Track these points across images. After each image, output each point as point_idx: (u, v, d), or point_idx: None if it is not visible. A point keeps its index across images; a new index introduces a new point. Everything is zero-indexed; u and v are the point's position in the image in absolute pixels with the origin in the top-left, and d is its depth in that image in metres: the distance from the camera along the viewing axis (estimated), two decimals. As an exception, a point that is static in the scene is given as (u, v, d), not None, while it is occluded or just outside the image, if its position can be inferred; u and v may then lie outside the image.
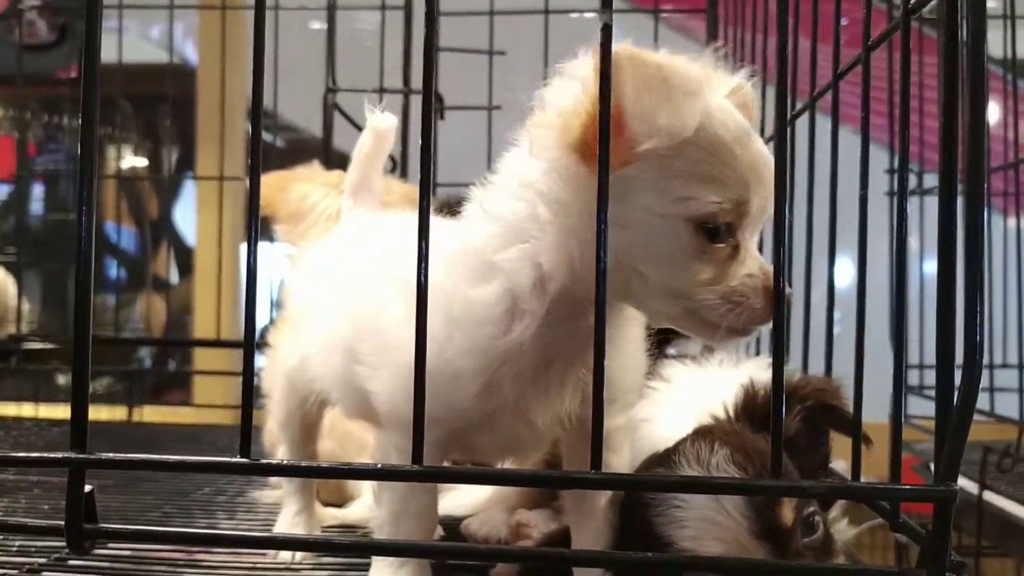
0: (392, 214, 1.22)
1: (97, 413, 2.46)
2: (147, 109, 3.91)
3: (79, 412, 0.72)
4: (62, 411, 2.44)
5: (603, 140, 0.72)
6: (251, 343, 0.73)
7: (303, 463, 0.90)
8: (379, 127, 1.24)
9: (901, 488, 0.74)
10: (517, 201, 0.85)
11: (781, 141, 0.75)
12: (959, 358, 0.68)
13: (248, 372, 0.74)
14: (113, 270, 3.33)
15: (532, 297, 0.84)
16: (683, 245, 0.79)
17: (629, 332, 0.93)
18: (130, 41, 2.65)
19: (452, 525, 1.26)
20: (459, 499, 1.39)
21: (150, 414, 2.57)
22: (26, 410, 2.44)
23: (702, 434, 0.94)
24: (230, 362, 2.81)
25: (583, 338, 0.85)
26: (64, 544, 1.08)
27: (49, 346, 2.72)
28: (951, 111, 0.69)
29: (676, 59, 0.78)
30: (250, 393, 0.74)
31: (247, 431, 0.73)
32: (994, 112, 2.23)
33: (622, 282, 0.81)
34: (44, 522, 0.77)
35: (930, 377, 1.99)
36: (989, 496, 1.62)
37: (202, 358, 3.08)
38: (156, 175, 3.69)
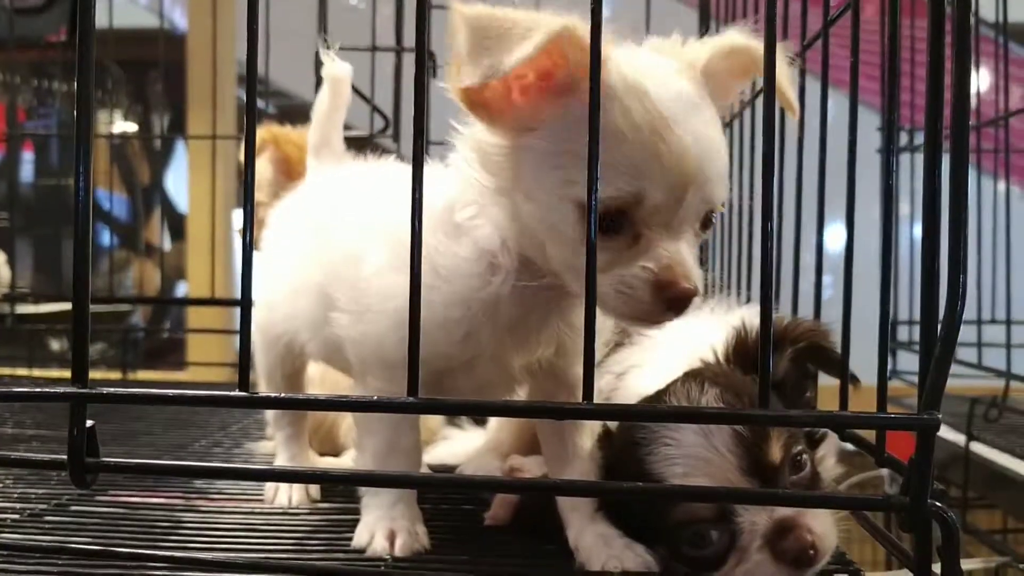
0: (357, 164, 1.24)
1: (92, 376, 2.47)
2: (137, 74, 3.89)
3: (79, 347, 0.74)
4: (55, 374, 2.45)
5: (593, 113, 0.72)
6: (248, 276, 0.74)
7: (300, 395, 0.92)
8: (335, 74, 1.25)
9: (886, 416, 0.76)
10: (464, 162, 0.87)
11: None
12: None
13: (246, 299, 0.75)
14: (105, 237, 3.32)
15: (502, 254, 0.87)
16: (572, 228, 0.79)
17: None
18: (119, 5, 2.63)
19: (447, 472, 1.29)
20: (452, 448, 1.42)
21: (144, 377, 2.59)
22: (20, 374, 2.44)
23: (693, 376, 0.95)
24: (223, 324, 2.82)
25: (556, 293, 0.88)
26: (64, 492, 1.14)
27: (43, 310, 2.73)
28: (937, 65, 0.70)
29: (516, 11, 0.76)
30: (248, 326, 0.75)
31: (244, 366, 0.74)
32: (985, 77, 2.24)
33: (541, 255, 0.84)
34: (48, 456, 0.78)
35: (918, 333, 2.02)
36: (976, 447, 1.65)
37: (196, 321, 3.10)
38: (147, 136, 3.68)
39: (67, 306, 2.66)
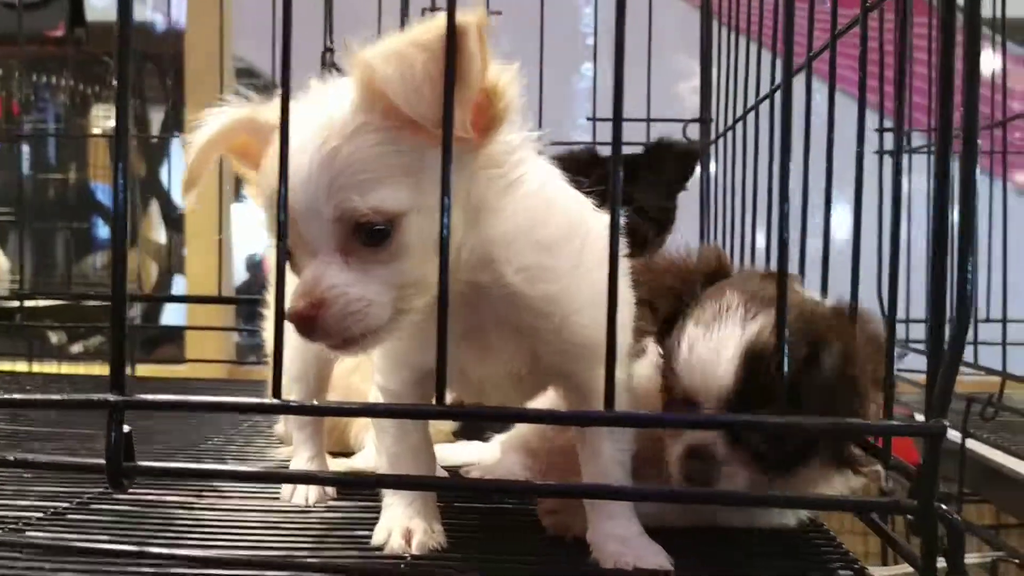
0: None
1: (89, 370, 2.49)
2: (135, 68, 3.89)
3: (117, 357, 0.76)
4: (53, 369, 2.47)
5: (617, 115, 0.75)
6: (281, 291, 0.76)
7: (332, 403, 0.94)
8: None
9: (895, 424, 0.78)
10: None
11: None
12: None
13: (279, 318, 0.77)
14: (106, 231, 3.32)
15: (457, 262, 0.85)
16: None
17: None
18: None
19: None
20: (470, 448, 1.44)
21: (143, 371, 2.60)
22: (20, 367, 2.45)
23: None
24: (221, 320, 2.83)
25: (503, 306, 0.90)
26: (85, 490, 1.16)
27: (42, 303, 2.74)
28: (948, 65, 0.72)
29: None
30: (281, 338, 0.77)
31: (278, 375, 0.77)
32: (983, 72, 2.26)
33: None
34: (88, 460, 0.80)
35: (916, 331, 2.05)
36: (971, 444, 1.68)
37: (194, 317, 3.10)
38: (146, 136, 3.68)
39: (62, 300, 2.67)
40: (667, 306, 1.07)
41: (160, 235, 3.87)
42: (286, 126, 0.77)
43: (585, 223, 0.95)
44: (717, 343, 0.96)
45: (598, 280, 0.80)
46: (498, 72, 0.80)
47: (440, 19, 0.74)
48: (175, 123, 3.57)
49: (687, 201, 1.96)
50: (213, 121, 0.89)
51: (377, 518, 1.02)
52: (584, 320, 0.92)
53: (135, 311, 3.68)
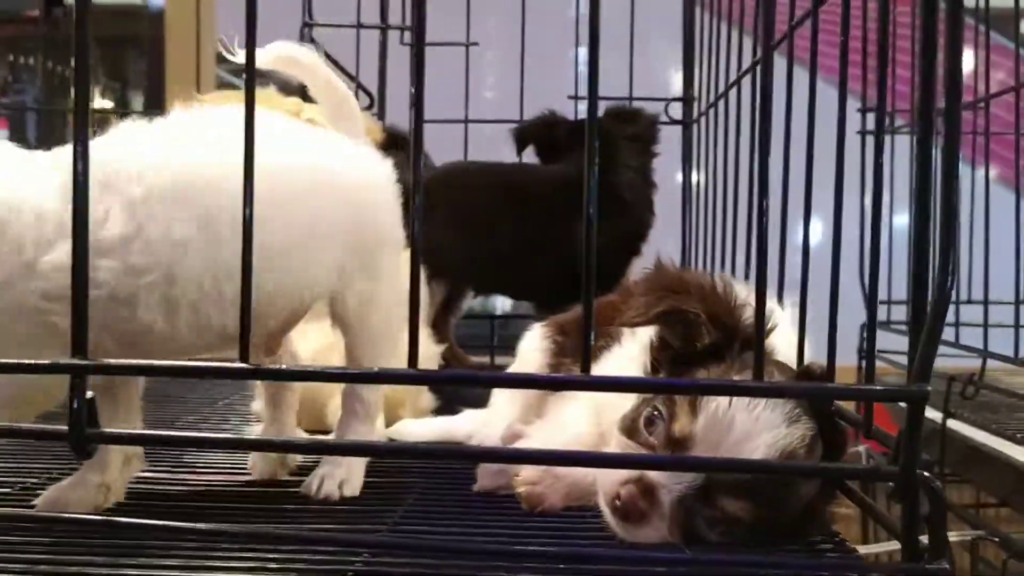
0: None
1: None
2: (114, 51, 3.85)
3: (79, 320, 0.74)
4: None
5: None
6: (248, 255, 0.74)
7: (301, 367, 0.92)
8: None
9: (874, 388, 0.77)
10: None
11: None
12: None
13: (247, 281, 0.75)
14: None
15: None
16: None
17: None
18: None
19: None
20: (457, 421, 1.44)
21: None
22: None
23: None
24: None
25: None
26: (56, 466, 1.14)
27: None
28: (930, 48, 0.71)
29: None
30: (248, 302, 0.75)
31: (246, 339, 0.75)
32: (967, 62, 2.26)
33: None
34: (50, 427, 0.78)
35: (897, 312, 2.05)
36: (953, 424, 1.67)
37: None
38: (126, 113, 3.65)
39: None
40: (689, 334, 0.97)
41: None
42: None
43: None
44: (757, 424, 0.87)
45: None
46: None
47: None
48: (156, 106, 3.54)
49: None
50: None
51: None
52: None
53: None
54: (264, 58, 1.09)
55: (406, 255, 0.96)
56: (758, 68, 1.42)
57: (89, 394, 0.75)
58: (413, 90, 0.76)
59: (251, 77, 0.77)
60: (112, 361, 0.75)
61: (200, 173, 0.91)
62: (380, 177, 1.12)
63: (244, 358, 0.74)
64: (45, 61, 3.35)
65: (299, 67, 1.18)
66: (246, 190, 0.74)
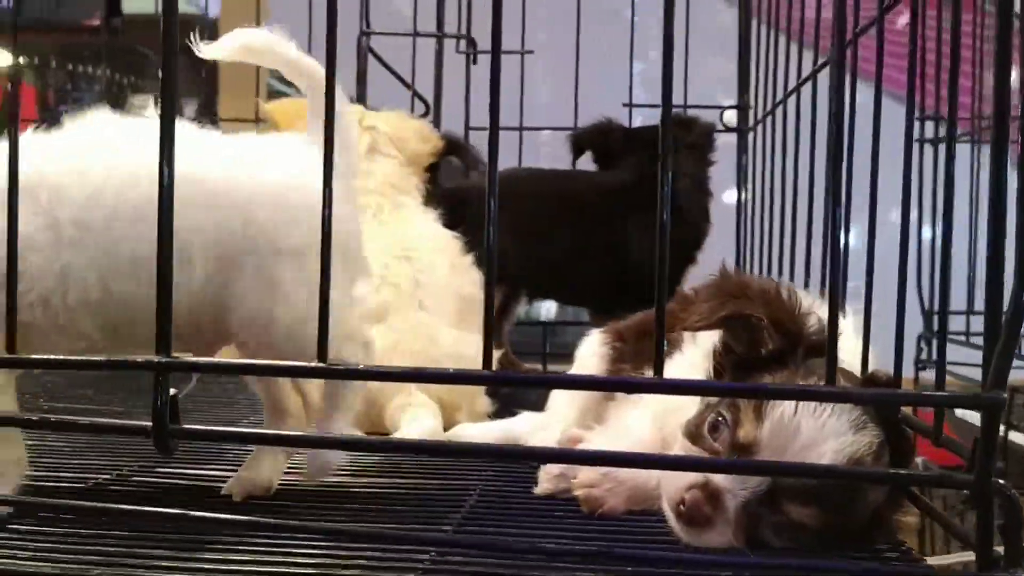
0: None
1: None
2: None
3: (163, 319, 0.76)
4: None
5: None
6: (327, 253, 0.76)
7: (376, 367, 0.93)
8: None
9: (946, 395, 0.77)
10: None
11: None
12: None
13: (325, 284, 0.77)
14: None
15: None
16: None
17: None
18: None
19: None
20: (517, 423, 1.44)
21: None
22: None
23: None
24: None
25: None
26: (125, 463, 1.17)
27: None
28: (1004, 58, 0.70)
29: None
30: (326, 302, 0.77)
31: (324, 338, 0.76)
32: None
33: None
34: (134, 423, 0.80)
35: (954, 322, 2.02)
36: (1014, 436, 1.65)
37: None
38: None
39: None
40: (752, 340, 0.97)
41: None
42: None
43: None
44: (823, 431, 0.87)
45: None
46: None
47: None
48: (209, 114, 3.59)
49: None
50: None
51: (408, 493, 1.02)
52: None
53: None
54: (219, 53, 1.08)
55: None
56: (817, 76, 1.42)
57: (172, 391, 0.77)
58: (489, 100, 0.77)
59: (331, 86, 0.78)
60: (193, 359, 0.76)
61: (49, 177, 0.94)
62: (273, 184, 1.01)
63: (322, 357, 0.76)
64: (105, 69, 3.42)
65: (257, 54, 1.11)
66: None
